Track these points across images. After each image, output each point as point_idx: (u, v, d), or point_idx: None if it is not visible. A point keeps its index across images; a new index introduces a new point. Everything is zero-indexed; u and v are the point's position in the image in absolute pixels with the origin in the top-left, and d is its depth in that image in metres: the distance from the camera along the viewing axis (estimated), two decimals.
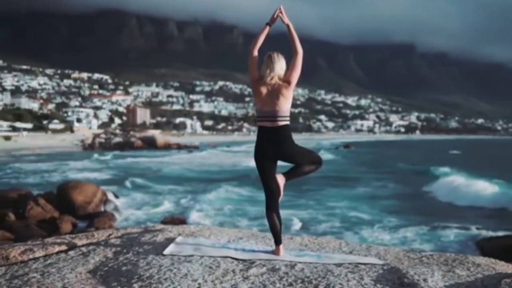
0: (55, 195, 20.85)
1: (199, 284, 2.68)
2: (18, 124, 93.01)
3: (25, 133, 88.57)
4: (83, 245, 3.62)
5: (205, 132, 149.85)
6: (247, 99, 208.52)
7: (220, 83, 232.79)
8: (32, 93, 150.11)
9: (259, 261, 3.07)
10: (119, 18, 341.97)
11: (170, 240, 3.60)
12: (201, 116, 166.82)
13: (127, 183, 28.51)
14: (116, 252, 3.39)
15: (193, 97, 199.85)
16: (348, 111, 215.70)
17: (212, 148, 76.49)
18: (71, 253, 3.42)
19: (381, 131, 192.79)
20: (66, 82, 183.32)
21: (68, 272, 2.97)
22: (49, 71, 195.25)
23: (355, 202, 22.52)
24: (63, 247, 3.58)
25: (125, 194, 24.58)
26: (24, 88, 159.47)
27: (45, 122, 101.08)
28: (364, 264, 3.04)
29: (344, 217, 19.32)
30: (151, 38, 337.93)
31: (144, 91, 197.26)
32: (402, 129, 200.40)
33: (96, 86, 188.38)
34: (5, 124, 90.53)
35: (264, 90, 3.27)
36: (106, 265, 3.08)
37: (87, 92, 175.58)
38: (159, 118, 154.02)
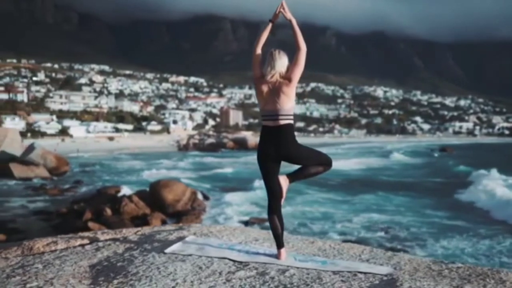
0: (147, 193, 22.16)
1: (176, 283, 2.68)
2: (120, 126, 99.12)
3: (126, 134, 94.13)
4: (104, 240, 3.75)
5: (296, 133, 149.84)
6: (339, 100, 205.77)
7: (312, 84, 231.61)
8: (133, 96, 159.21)
9: (253, 264, 3.02)
10: (214, 23, 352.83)
11: (181, 239, 3.64)
12: None
13: (216, 183, 29.53)
14: (127, 248, 3.47)
15: None
16: (445, 112, 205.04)
17: None
18: (88, 247, 3.53)
19: (482, 134, 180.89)
20: (165, 85, 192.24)
21: (70, 265, 3.06)
22: (149, 75, 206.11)
23: (448, 211, 21.76)
24: (85, 241, 3.70)
25: (214, 194, 25.52)
26: (127, 92, 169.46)
27: (144, 123, 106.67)
28: (365, 273, 2.88)
29: (433, 223, 18.81)
30: (244, 41, 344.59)
31: (237, 93, 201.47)
32: (506, 132, 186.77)
33: (192, 89, 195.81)
34: (109, 125, 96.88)
35: (265, 88, 3.18)
36: (108, 261, 3.14)
37: (183, 95, 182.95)
38: (251, 120, 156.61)
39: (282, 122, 3.15)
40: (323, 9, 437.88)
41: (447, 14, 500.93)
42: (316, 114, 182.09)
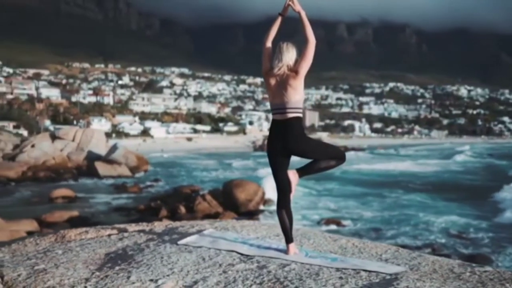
0: (220, 192, 22.77)
1: (172, 272, 2.71)
2: (198, 127, 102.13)
3: (204, 134, 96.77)
4: (131, 231, 3.87)
5: (373, 135, 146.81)
6: (420, 100, 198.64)
7: (391, 84, 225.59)
8: (211, 98, 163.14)
9: (258, 258, 3.01)
10: (290, 24, 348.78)
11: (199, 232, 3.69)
12: (370, 118, 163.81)
13: None
14: (148, 239, 3.56)
15: (363, 99, 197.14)
16: None
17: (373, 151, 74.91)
18: (114, 236, 3.67)
19: None
20: (242, 87, 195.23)
21: (88, 252, 3.20)
22: (227, 77, 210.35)
23: None
24: (114, 231, 3.84)
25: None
26: (205, 93, 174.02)
27: (221, 124, 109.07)
28: (369, 271, 2.78)
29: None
30: (320, 42, 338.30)
31: (314, 94, 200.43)
32: None
33: None
34: (188, 126, 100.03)
35: (273, 81, 3.15)
36: (124, 250, 3.25)
37: (260, 96, 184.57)
38: (327, 121, 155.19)
39: (290, 115, 3.09)
40: (402, 6, 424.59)
41: None
42: (394, 114, 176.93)
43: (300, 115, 3.13)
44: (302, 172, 3.20)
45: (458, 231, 17.79)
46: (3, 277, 2.64)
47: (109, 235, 3.73)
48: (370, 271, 2.78)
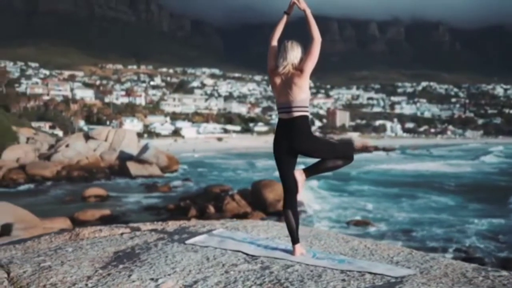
0: (249, 192, 22.83)
1: (174, 271, 2.70)
2: (228, 127, 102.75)
3: (234, 135, 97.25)
4: (144, 230, 3.88)
5: (405, 135, 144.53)
6: (453, 100, 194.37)
7: (424, 83, 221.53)
8: (242, 98, 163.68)
9: (262, 258, 2.97)
10: (321, 23, 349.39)
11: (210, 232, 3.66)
12: (401, 118, 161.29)
13: (319, 183, 29.40)
14: (158, 238, 3.56)
15: (394, 99, 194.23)
16: None
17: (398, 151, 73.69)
18: (126, 235, 3.68)
19: None
20: None
21: (97, 250, 3.21)
22: (257, 77, 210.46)
23: None
24: (127, 230, 3.86)
25: (317, 194, 25.48)
26: (235, 94, 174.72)
27: (251, 124, 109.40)
28: (374, 273, 2.69)
29: None
30: (351, 41, 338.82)
31: (345, 94, 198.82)
32: None
33: None
34: (218, 126, 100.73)
35: (278, 80, 3.12)
36: (133, 248, 3.25)
37: None
38: (358, 121, 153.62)
39: (296, 114, 3.05)
40: (434, 4, 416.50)
41: None
42: (427, 114, 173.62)
43: (306, 113, 3.09)
44: (309, 171, 3.16)
45: (492, 233, 17.30)
46: (10, 273, 2.68)
47: (122, 234, 3.74)
48: (375, 274, 2.70)
